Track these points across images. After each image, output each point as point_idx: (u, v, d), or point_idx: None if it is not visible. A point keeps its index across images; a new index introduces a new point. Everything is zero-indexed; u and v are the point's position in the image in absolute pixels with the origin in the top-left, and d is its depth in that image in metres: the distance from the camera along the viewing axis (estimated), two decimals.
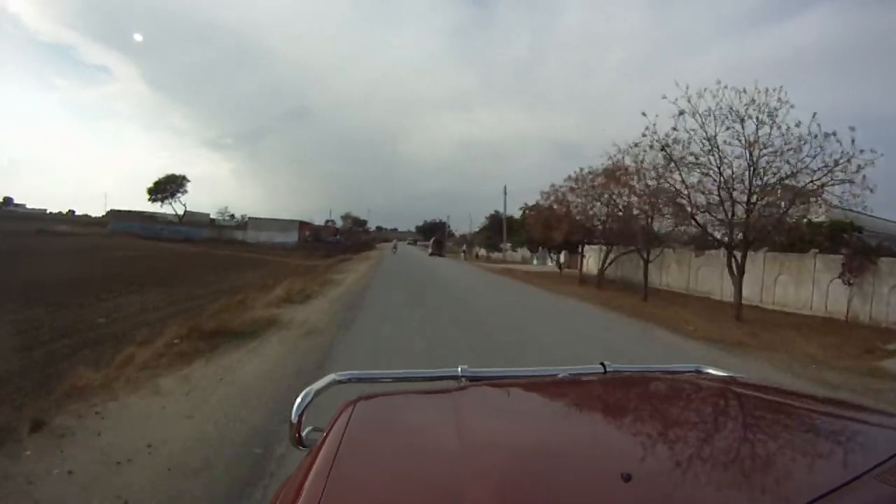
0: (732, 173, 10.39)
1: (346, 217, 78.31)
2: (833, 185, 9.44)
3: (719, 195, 10.71)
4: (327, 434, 0.70)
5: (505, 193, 40.80)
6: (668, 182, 11.96)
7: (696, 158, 10.72)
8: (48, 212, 73.22)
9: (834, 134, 9.13)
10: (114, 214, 53.58)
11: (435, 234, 67.42)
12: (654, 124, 11.15)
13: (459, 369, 1.01)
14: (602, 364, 1.06)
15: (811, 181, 9.63)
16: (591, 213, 17.58)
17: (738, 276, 10.68)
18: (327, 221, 70.19)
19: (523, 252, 37.94)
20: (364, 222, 75.80)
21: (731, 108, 9.97)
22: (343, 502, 0.53)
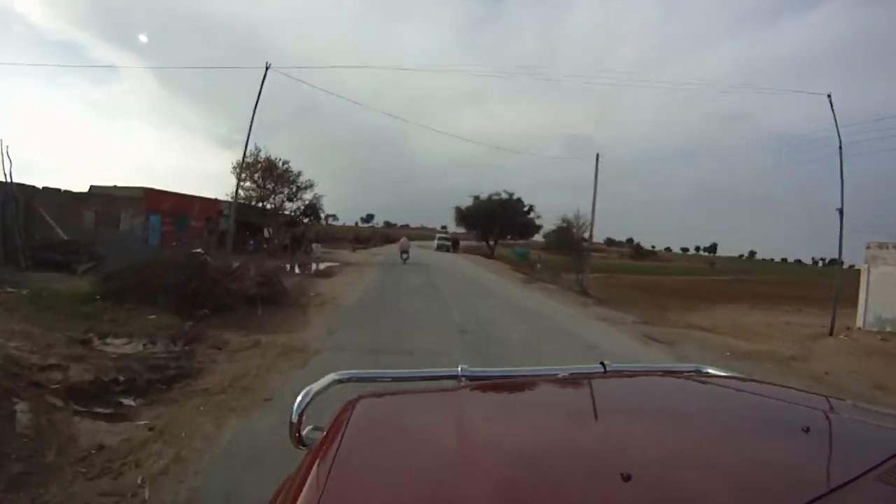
0: None
1: (252, 164, 20.51)
2: None
3: None
4: (327, 433, 0.70)
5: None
6: None
7: None
8: None
9: None
10: None
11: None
12: None
13: (459, 369, 0.99)
14: (602, 364, 1.05)
15: None
16: None
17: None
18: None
19: None
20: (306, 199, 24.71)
21: None
22: (343, 502, 0.52)
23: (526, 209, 38.49)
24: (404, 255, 22.13)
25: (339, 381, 0.95)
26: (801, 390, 0.98)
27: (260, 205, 22.43)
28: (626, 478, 0.51)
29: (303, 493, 0.53)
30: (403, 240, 24.88)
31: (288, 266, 15.80)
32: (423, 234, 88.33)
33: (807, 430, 0.67)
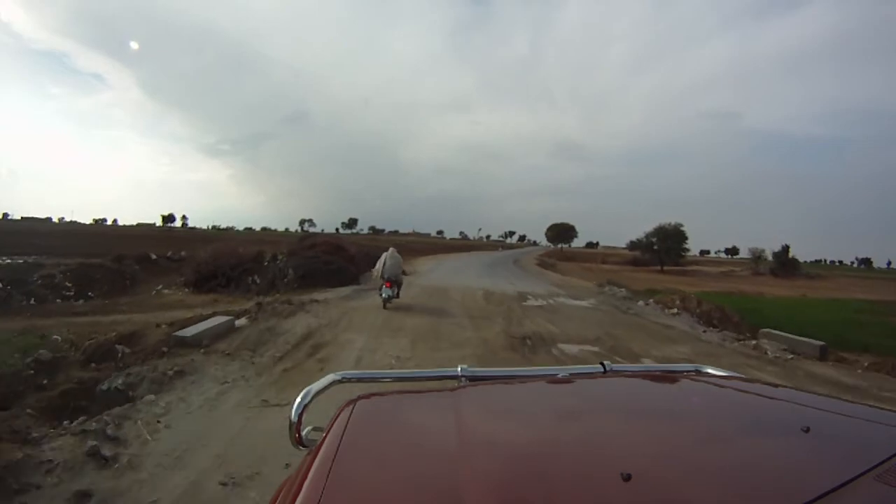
0: None
1: None
2: None
3: None
4: (327, 434, 0.69)
5: None
6: None
7: None
8: None
9: None
10: None
11: None
12: None
13: (459, 369, 0.98)
14: (602, 364, 1.04)
15: None
16: None
17: None
18: None
19: None
20: None
21: None
22: (343, 502, 0.51)
23: None
24: (388, 293, 8.46)
25: (339, 381, 0.94)
26: (801, 390, 0.92)
27: None
28: (626, 478, 0.51)
29: (302, 493, 0.52)
30: (390, 252, 8.91)
31: None
32: (426, 242, 55.78)
33: (807, 430, 0.66)
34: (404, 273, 9.11)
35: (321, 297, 9.20)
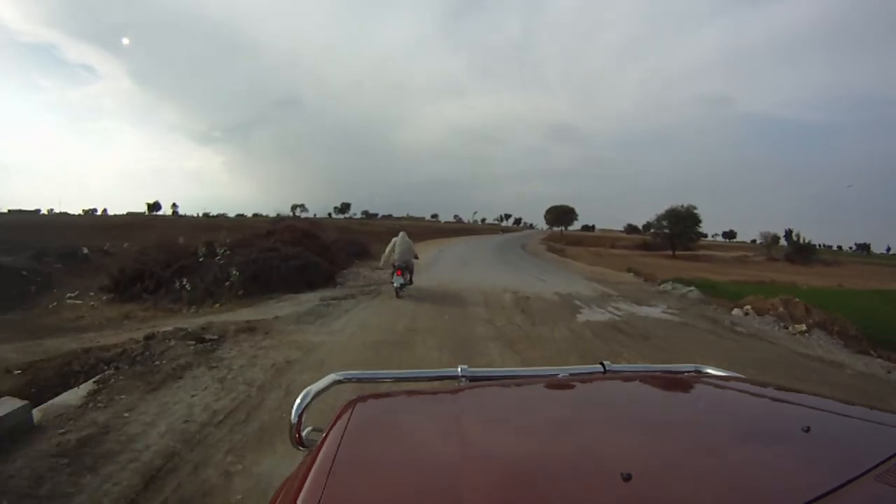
0: None
1: None
2: None
3: None
4: (327, 434, 0.69)
5: None
6: None
7: None
8: None
9: None
10: None
11: None
12: None
13: (459, 369, 0.98)
14: (602, 364, 1.03)
15: None
16: None
17: None
18: None
19: None
20: None
21: None
22: (343, 502, 0.51)
23: None
24: (400, 282, 7.79)
25: (339, 382, 0.93)
26: (801, 391, 0.90)
27: None
28: (627, 478, 0.51)
29: (302, 494, 0.52)
30: (400, 237, 8.14)
31: None
32: (420, 226, 52.85)
33: (807, 430, 0.66)
34: (415, 258, 8.28)
35: (268, 314, 5.86)
